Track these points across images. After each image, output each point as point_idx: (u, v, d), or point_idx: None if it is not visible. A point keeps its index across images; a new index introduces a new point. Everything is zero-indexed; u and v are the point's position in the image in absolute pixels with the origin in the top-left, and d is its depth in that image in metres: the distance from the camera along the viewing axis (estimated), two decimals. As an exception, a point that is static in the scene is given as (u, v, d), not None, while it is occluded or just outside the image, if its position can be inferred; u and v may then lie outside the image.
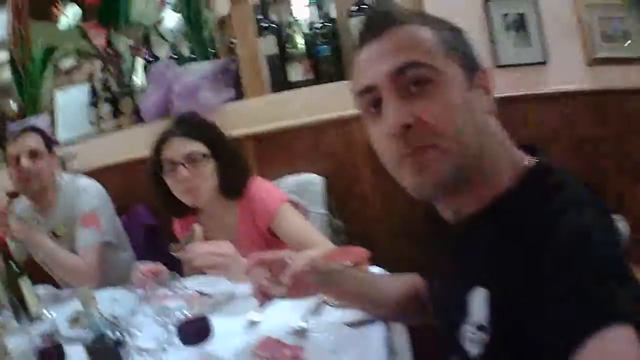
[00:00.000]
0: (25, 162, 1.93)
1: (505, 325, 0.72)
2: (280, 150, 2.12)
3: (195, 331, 1.15)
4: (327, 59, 2.08)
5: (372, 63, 0.79)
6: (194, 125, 1.63)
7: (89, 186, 2.05)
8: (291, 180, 2.00)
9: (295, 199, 1.76)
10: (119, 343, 1.13)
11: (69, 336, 1.28)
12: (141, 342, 1.16)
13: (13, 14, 2.65)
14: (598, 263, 0.63)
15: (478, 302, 0.76)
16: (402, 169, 0.78)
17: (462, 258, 0.84)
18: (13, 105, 2.85)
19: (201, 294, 1.47)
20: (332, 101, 2.00)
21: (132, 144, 2.33)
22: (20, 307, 1.54)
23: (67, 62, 2.95)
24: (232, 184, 1.63)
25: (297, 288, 1.09)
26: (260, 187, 1.66)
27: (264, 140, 2.12)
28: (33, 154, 1.96)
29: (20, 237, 1.89)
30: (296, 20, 2.11)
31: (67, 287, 1.95)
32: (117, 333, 1.15)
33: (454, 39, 0.80)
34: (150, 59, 2.43)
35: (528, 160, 0.80)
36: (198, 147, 1.57)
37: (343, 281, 1.12)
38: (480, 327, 0.76)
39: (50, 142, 2.07)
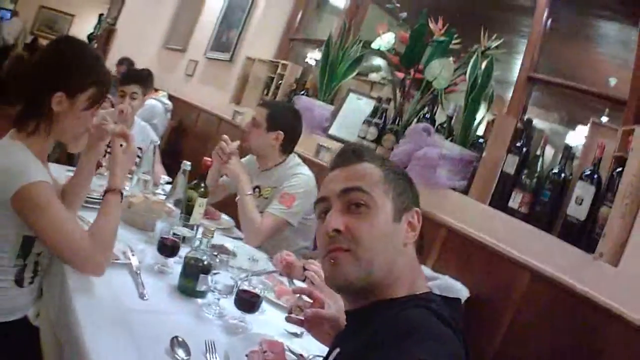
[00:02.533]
0: (245, 124, 2.41)
1: None
2: (460, 255, 2.25)
3: (245, 301, 1.52)
4: (544, 204, 2.07)
5: (331, 182, 1.06)
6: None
7: (305, 176, 2.43)
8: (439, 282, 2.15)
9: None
10: (205, 271, 1.58)
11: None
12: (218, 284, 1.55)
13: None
14: None
15: (331, 357, 1.03)
16: (324, 263, 1.02)
17: (343, 329, 1.15)
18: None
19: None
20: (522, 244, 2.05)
21: None
22: (185, 214, 2.00)
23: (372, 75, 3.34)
24: None
25: (314, 328, 1.37)
26: None
27: (458, 239, 2.25)
28: (254, 122, 2.42)
29: (231, 171, 2.40)
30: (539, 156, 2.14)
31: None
32: (211, 264, 1.60)
33: (396, 183, 1.04)
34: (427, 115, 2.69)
35: (420, 291, 1.00)
36: None
37: None
38: None
39: (273, 122, 2.43)
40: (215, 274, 1.59)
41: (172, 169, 2.12)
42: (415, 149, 2.53)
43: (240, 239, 2.35)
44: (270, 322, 1.59)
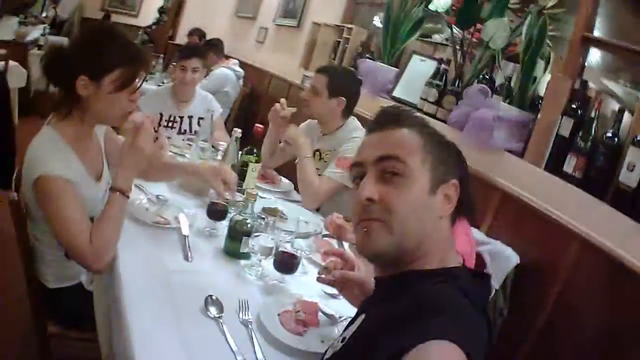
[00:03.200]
0: (304, 93, 2.49)
1: (355, 340, 0.97)
2: (513, 220, 2.21)
3: (284, 263, 1.59)
4: (598, 169, 1.97)
5: (367, 147, 1.04)
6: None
7: (361, 139, 2.43)
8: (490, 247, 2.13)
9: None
10: (248, 233, 1.66)
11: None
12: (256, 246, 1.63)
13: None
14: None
15: (356, 323, 1.02)
16: (357, 231, 1.01)
17: (370, 297, 1.15)
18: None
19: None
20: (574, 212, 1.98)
21: None
22: (239, 179, 2.05)
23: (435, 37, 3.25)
24: None
25: (344, 290, 1.41)
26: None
27: (512, 204, 2.21)
28: (314, 90, 2.45)
29: (290, 136, 2.48)
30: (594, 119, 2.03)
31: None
32: (254, 227, 1.68)
33: (436, 152, 1.00)
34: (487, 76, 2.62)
35: (454, 264, 0.99)
36: None
37: None
38: (343, 339, 1.01)
39: (335, 89, 2.44)
40: (256, 236, 1.68)
41: (245, 134, 2.21)
42: (473, 111, 2.49)
43: (298, 202, 2.44)
44: (310, 283, 1.65)
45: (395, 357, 0.77)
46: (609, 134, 1.92)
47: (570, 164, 2.02)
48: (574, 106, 2.05)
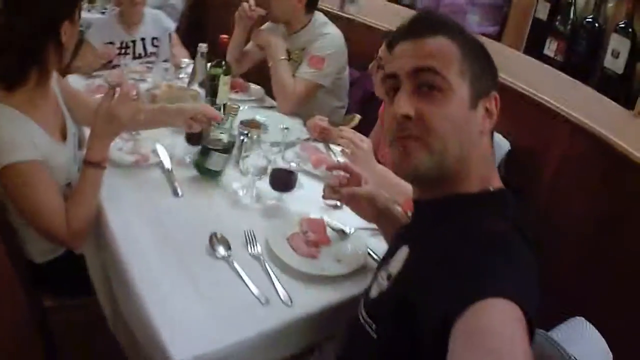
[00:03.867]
0: None
1: (405, 281, 0.88)
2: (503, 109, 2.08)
3: (281, 180, 1.49)
4: (580, 54, 1.92)
5: (400, 58, 0.92)
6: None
7: (332, 35, 2.31)
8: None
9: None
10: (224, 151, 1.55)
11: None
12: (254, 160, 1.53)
13: None
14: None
15: (399, 256, 0.94)
16: (393, 149, 0.93)
17: (410, 224, 1.06)
18: None
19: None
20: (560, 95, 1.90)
21: (395, 19, 2.49)
22: (211, 95, 1.95)
23: None
24: None
25: (351, 204, 1.34)
26: None
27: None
28: None
29: (261, 39, 2.32)
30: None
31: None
32: (231, 143, 1.58)
33: (475, 62, 0.91)
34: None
35: (493, 187, 0.92)
36: None
37: (386, 219, 1.31)
38: (388, 276, 0.93)
39: None
40: (245, 157, 1.56)
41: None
42: (438, 3, 2.38)
43: (273, 107, 2.31)
44: (308, 197, 1.56)
45: (455, 310, 0.68)
46: (589, 19, 1.86)
47: (550, 48, 1.95)
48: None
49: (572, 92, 1.86)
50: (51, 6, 1.33)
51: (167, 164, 1.60)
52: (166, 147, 1.68)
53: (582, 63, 1.88)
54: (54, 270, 1.53)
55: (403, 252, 0.93)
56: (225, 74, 1.98)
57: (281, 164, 1.50)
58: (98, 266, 1.41)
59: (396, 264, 0.93)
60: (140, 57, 2.73)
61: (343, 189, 1.33)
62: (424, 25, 0.93)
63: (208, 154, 1.55)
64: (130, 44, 2.73)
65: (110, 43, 2.66)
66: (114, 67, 2.40)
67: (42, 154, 1.33)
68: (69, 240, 1.35)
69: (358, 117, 1.95)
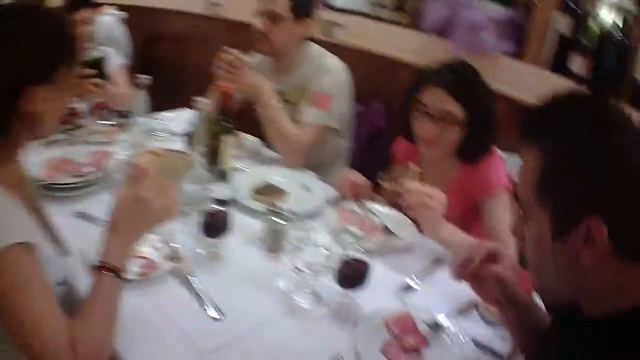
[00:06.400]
0: (258, 23, 1.88)
1: None
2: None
3: (353, 274, 1.15)
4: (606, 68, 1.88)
5: None
6: (459, 81, 1.49)
7: (335, 68, 1.96)
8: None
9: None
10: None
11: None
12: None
13: None
14: None
15: None
16: None
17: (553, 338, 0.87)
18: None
19: (386, 230, 1.49)
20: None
21: (398, 42, 2.38)
22: (212, 158, 1.62)
23: None
24: (473, 152, 1.55)
25: (479, 284, 1.03)
26: (493, 161, 1.56)
27: (517, 111, 1.98)
28: (272, 17, 1.86)
29: (250, 86, 1.83)
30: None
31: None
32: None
33: (567, 179, 0.72)
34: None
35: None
36: (455, 109, 1.46)
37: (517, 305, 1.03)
38: None
39: (300, 8, 1.88)
40: (293, 248, 1.22)
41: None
42: (453, 15, 2.19)
43: (271, 159, 1.90)
44: (374, 286, 1.18)
45: None
46: (614, 32, 1.83)
47: (574, 63, 1.89)
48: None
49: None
50: (11, 68, 0.92)
51: (186, 268, 1.21)
52: (176, 241, 1.28)
53: (609, 77, 1.82)
54: None
55: None
56: (225, 132, 1.63)
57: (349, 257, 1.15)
58: None
59: None
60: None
61: (472, 264, 1.01)
62: (528, 128, 0.81)
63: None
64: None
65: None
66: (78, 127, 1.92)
67: (33, 236, 0.93)
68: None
69: (413, 166, 1.47)
